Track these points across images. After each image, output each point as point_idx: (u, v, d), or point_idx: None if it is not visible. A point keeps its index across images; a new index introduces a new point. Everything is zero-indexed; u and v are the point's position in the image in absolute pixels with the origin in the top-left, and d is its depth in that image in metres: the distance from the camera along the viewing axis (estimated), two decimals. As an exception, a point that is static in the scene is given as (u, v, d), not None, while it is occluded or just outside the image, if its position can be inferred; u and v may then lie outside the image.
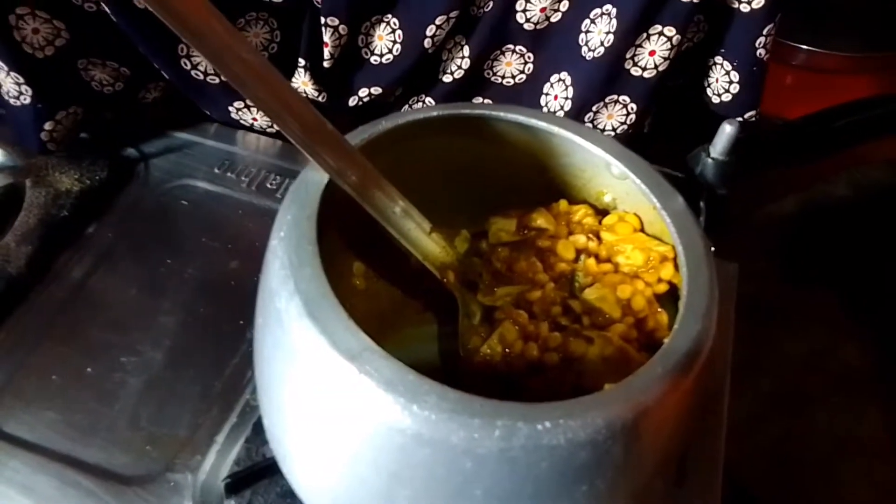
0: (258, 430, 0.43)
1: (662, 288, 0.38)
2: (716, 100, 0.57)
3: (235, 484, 0.41)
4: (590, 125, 0.57)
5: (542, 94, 0.58)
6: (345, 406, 0.28)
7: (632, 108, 0.56)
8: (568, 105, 0.56)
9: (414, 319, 0.42)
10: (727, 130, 0.50)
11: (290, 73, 0.56)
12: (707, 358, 0.31)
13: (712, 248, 0.35)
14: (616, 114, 0.57)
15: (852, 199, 0.71)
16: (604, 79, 0.54)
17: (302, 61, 0.55)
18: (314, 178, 0.34)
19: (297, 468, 0.34)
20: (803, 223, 0.69)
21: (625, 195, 0.40)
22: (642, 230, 0.40)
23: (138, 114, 0.61)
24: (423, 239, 0.38)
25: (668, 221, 0.35)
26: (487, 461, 0.27)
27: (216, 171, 0.59)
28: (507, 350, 0.36)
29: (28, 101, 0.53)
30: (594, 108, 0.56)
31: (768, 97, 0.57)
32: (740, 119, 0.57)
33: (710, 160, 0.51)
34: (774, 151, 0.55)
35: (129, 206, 0.56)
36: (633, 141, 0.59)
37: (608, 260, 0.40)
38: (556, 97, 0.57)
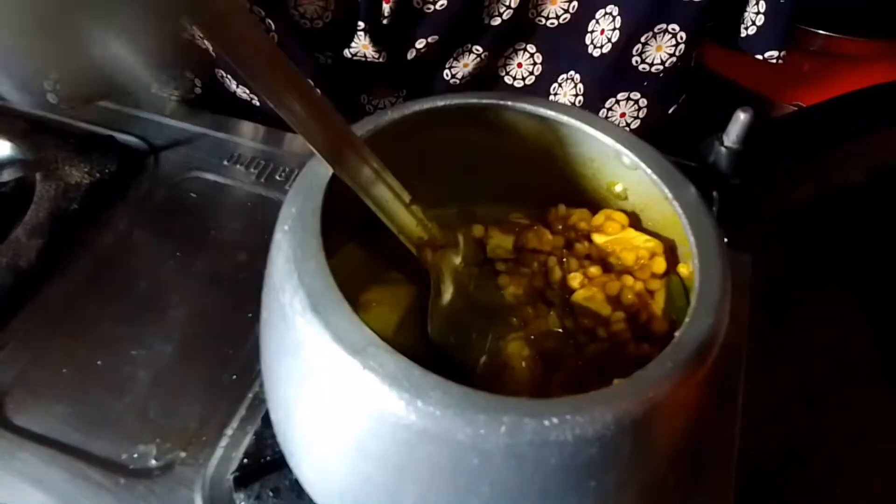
0: (267, 422, 0.43)
1: (656, 284, 0.38)
2: (743, 33, 0.56)
3: (244, 477, 0.41)
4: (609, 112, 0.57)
5: (587, 31, 0.57)
6: (350, 401, 0.28)
7: (642, 104, 0.55)
8: (616, 36, 0.55)
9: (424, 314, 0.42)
10: (741, 118, 0.49)
11: (347, 41, 0.56)
12: (719, 351, 0.30)
13: (725, 240, 0.34)
14: (629, 111, 0.56)
15: (869, 188, 0.69)
16: (612, 75, 0.53)
17: (361, 24, 0.54)
18: (319, 170, 0.33)
19: (303, 463, 0.34)
20: (819, 213, 0.68)
21: (636, 185, 0.40)
22: (633, 225, 0.40)
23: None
24: (400, 211, 0.36)
25: (679, 212, 0.35)
26: (494, 457, 0.26)
27: (225, 163, 0.59)
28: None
29: None
30: (607, 104, 0.55)
31: (786, 83, 0.55)
32: (760, 57, 0.55)
33: (723, 149, 0.51)
34: (789, 139, 0.54)
35: (138, 199, 0.56)
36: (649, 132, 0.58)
37: (600, 260, 0.40)
38: (602, 31, 0.56)
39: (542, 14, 0.57)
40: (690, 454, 0.38)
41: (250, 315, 0.49)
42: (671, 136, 0.57)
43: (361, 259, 0.40)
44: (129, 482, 0.41)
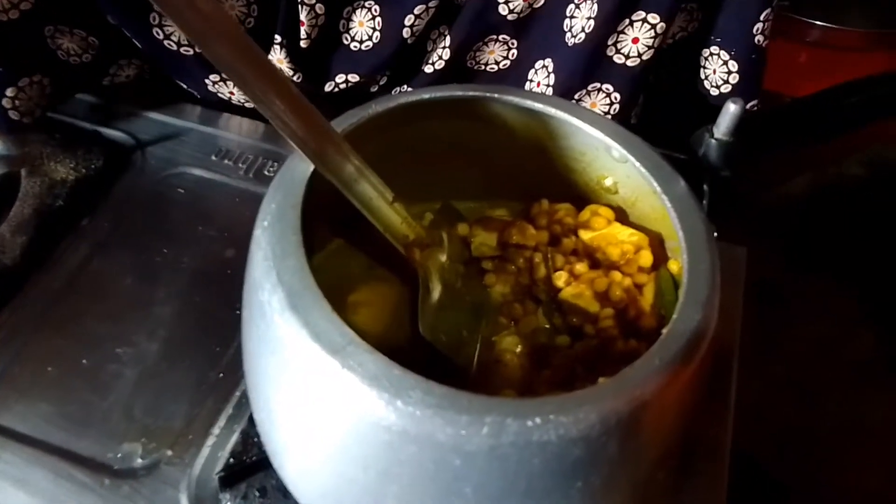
0: (254, 421, 0.43)
1: (644, 278, 0.37)
2: (714, 92, 0.56)
3: (230, 477, 0.40)
4: None
5: (526, 80, 0.57)
6: (330, 401, 0.27)
7: (615, 98, 0.55)
8: (550, 92, 0.55)
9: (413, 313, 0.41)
10: (731, 109, 0.48)
11: (266, 50, 0.55)
12: (708, 348, 0.30)
13: (715, 234, 0.33)
14: (599, 102, 0.55)
15: (865, 180, 0.69)
16: (585, 66, 0.53)
17: (278, 38, 0.54)
18: (300, 166, 0.33)
19: (286, 463, 0.34)
20: (813, 205, 0.67)
21: (625, 178, 0.39)
22: (620, 219, 0.40)
23: (111, 91, 0.60)
24: (384, 209, 0.36)
25: (668, 206, 0.34)
26: (476, 458, 0.26)
27: (213, 158, 0.58)
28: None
29: None
30: (577, 96, 0.55)
31: (782, 75, 0.55)
32: None
33: (713, 141, 0.50)
34: (782, 131, 0.53)
35: (124, 195, 0.55)
36: None
37: (587, 255, 0.39)
38: (538, 84, 0.56)
39: (481, 62, 0.57)
40: (680, 450, 0.38)
41: (237, 312, 0.48)
42: (661, 128, 0.56)
43: (348, 256, 0.40)
44: (114, 482, 0.41)
